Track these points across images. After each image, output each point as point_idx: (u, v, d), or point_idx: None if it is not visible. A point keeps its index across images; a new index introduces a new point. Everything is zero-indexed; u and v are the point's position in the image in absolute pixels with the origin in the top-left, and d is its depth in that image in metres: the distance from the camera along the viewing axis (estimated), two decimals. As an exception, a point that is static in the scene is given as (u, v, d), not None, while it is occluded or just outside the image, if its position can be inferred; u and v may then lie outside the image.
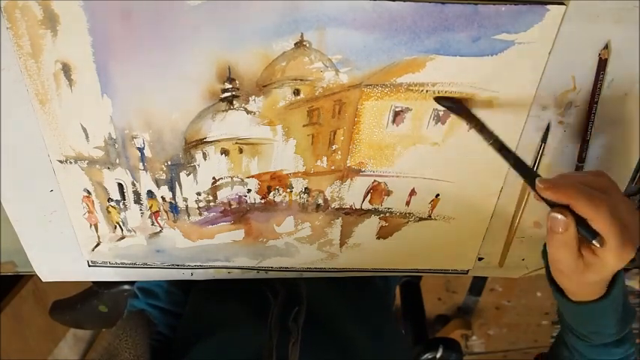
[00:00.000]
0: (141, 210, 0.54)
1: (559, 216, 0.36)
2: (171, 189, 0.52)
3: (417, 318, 1.12)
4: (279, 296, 0.61)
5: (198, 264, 0.59)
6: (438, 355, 0.94)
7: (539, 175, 0.39)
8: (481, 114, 0.48)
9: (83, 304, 0.83)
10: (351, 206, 0.55)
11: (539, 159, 0.52)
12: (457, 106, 0.45)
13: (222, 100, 0.46)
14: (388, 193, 0.54)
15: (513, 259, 0.61)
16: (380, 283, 0.79)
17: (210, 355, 0.56)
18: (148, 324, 0.62)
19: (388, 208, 0.55)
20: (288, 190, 0.53)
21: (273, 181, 0.52)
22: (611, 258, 0.37)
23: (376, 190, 0.53)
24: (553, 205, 0.38)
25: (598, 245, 0.36)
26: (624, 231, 0.36)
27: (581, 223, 0.37)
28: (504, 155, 0.42)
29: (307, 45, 0.43)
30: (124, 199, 0.53)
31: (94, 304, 0.81)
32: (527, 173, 0.40)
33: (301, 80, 0.45)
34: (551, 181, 0.37)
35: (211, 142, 0.49)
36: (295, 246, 0.58)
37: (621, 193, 0.39)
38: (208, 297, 0.68)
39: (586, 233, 0.36)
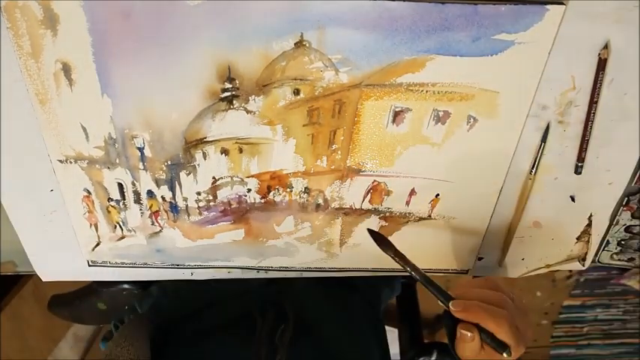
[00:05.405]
0: (141, 210, 0.54)
1: (468, 333, 0.45)
2: (171, 189, 0.52)
3: (412, 321, 1.11)
4: (268, 315, 0.63)
5: (198, 264, 0.59)
6: (432, 359, 0.94)
7: (453, 298, 0.46)
8: (481, 114, 0.48)
9: (82, 300, 0.83)
10: (350, 206, 0.55)
11: (539, 159, 0.52)
12: (381, 240, 0.51)
13: (222, 99, 0.46)
14: (388, 192, 0.54)
15: (513, 258, 0.61)
16: (367, 290, 0.80)
17: None
18: (148, 328, 0.62)
19: (388, 208, 0.55)
20: (288, 189, 0.53)
21: (273, 181, 0.52)
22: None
23: (376, 190, 0.53)
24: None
25: (507, 356, 0.45)
26: (519, 335, 0.45)
27: (487, 334, 0.45)
28: (425, 284, 0.48)
29: (307, 45, 0.43)
30: (124, 199, 0.53)
31: (92, 301, 0.81)
32: (444, 298, 0.47)
33: (301, 80, 0.45)
34: (461, 304, 0.46)
35: (211, 141, 0.49)
36: (295, 246, 0.58)
37: (512, 304, 0.47)
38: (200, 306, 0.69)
39: (495, 346, 0.45)
